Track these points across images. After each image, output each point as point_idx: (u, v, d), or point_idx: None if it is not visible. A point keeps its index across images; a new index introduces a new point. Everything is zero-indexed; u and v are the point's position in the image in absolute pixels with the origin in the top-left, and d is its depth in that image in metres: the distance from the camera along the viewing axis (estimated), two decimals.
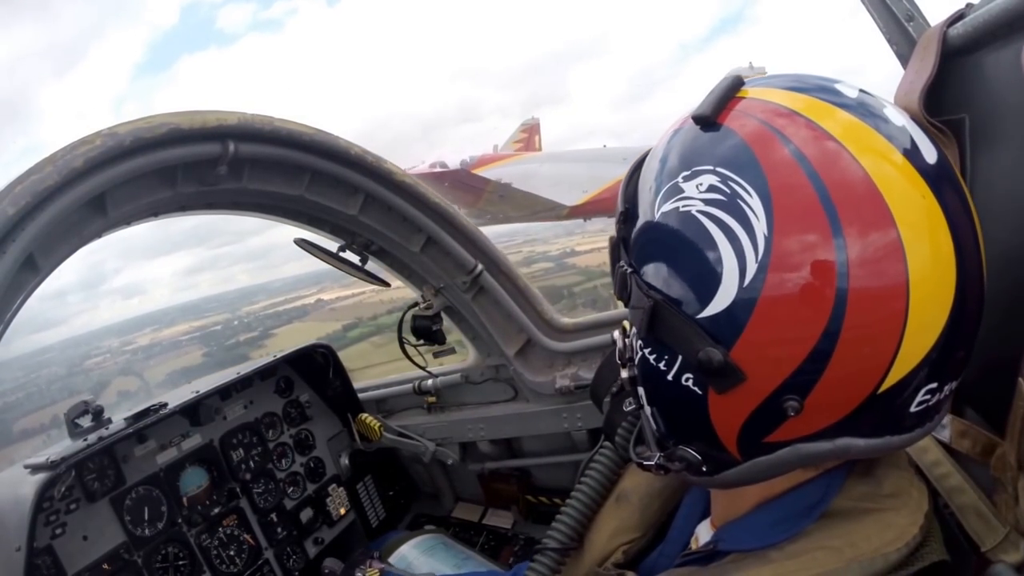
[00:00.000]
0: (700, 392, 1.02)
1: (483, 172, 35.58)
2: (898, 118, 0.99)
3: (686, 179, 1.00)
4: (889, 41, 1.59)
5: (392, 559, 2.78)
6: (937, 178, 0.93)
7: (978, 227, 0.96)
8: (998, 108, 1.36)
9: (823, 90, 1.01)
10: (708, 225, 0.95)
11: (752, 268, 0.91)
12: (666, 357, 1.05)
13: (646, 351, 1.10)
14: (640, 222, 1.09)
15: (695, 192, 0.98)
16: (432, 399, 3.50)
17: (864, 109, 0.98)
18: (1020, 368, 1.21)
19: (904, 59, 1.54)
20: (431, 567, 2.70)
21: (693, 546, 1.36)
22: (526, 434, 3.24)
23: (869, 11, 1.60)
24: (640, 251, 1.09)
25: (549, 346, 3.00)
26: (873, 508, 1.07)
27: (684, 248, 0.99)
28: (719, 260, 0.94)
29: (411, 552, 2.81)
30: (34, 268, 1.80)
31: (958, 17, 1.41)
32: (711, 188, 0.96)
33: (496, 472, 3.50)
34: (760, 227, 0.91)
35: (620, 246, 1.17)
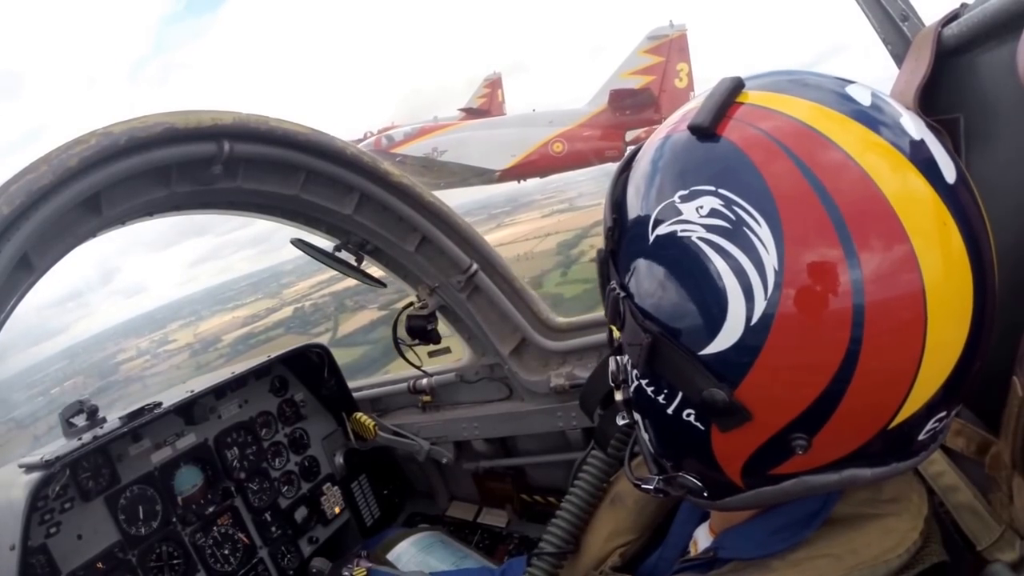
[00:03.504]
0: (702, 428, 0.98)
1: (423, 141, 36.69)
2: (915, 130, 0.91)
3: (684, 199, 0.93)
4: (884, 41, 1.59)
5: (390, 556, 2.77)
6: (957, 200, 0.88)
7: (993, 245, 0.92)
8: (993, 107, 1.36)
9: (835, 95, 0.93)
10: (711, 255, 0.89)
11: (760, 306, 0.86)
12: (665, 391, 1.01)
13: (643, 382, 1.06)
14: (632, 241, 1.03)
15: (695, 216, 0.91)
16: (427, 398, 3.50)
17: (881, 121, 0.90)
18: (1014, 366, 1.22)
19: (899, 59, 1.55)
20: (429, 565, 2.70)
21: (692, 551, 1.35)
22: (521, 433, 3.24)
23: (864, 11, 1.60)
24: (634, 275, 1.03)
25: (544, 345, 3.00)
26: (874, 514, 1.06)
27: (684, 279, 0.93)
28: (724, 295, 0.88)
29: (409, 550, 2.81)
30: (28, 268, 1.79)
31: (953, 17, 1.41)
32: (713, 212, 0.89)
33: (491, 471, 3.49)
34: (770, 261, 0.85)
35: (609, 262, 1.11)
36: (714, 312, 0.89)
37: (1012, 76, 1.21)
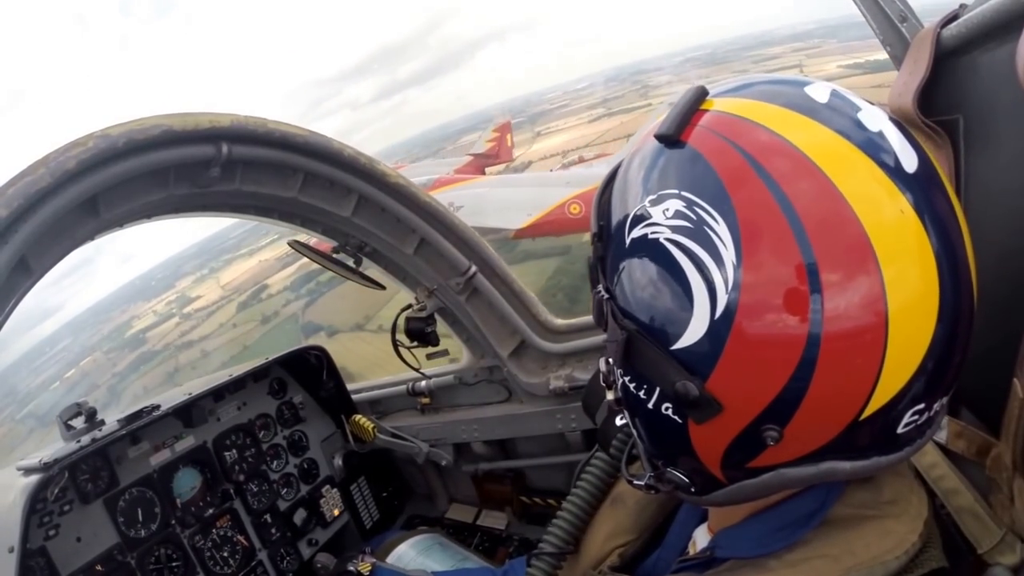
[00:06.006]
0: (680, 421, 1.01)
1: (438, 193, 36.07)
2: (874, 122, 0.93)
3: (653, 203, 0.98)
4: (883, 42, 1.59)
5: (390, 559, 2.77)
6: (918, 188, 0.89)
7: (964, 231, 0.92)
8: (992, 108, 1.36)
9: (793, 95, 0.96)
10: (676, 254, 0.93)
11: (723, 299, 0.89)
12: (644, 386, 1.04)
13: (625, 379, 1.09)
14: (613, 245, 1.07)
15: (662, 218, 0.96)
16: (426, 400, 3.50)
17: (838, 116, 0.93)
18: (1015, 369, 1.21)
19: (898, 60, 1.54)
20: (428, 567, 2.69)
21: (690, 551, 1.35)
22: (520, 435, 3.24)
23: (862, 12, 1.60)
24: (615, 277, 1.07)
25: (543, 347, 3.00)
26: (872, 515, 1.06)
27: (655, 278, 0.97)
28: (689, 291, 0.92)
29: (408, 552, 2.81)
30: (27, 270, 1.80)
31: (952, 18, 1.41)
32: (677, 214, 0.94)
33: (490, 473, 3.50)
34: (728, 256, 0.88)
35: (597, 267, 1.15)
36: (682, 307, 0.93)
37: (1011, 77, 1.20)
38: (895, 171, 0.89)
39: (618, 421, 1.34)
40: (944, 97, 1.42)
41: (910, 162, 0.90)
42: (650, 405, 1.04)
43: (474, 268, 2.82)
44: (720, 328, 0.90)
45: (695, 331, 0.92)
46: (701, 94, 1.02)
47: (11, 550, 2.14)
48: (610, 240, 1.09)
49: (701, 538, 1.33)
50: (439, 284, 2.88)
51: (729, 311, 0.88)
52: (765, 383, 0.90)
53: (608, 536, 1.60)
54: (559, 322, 3.06)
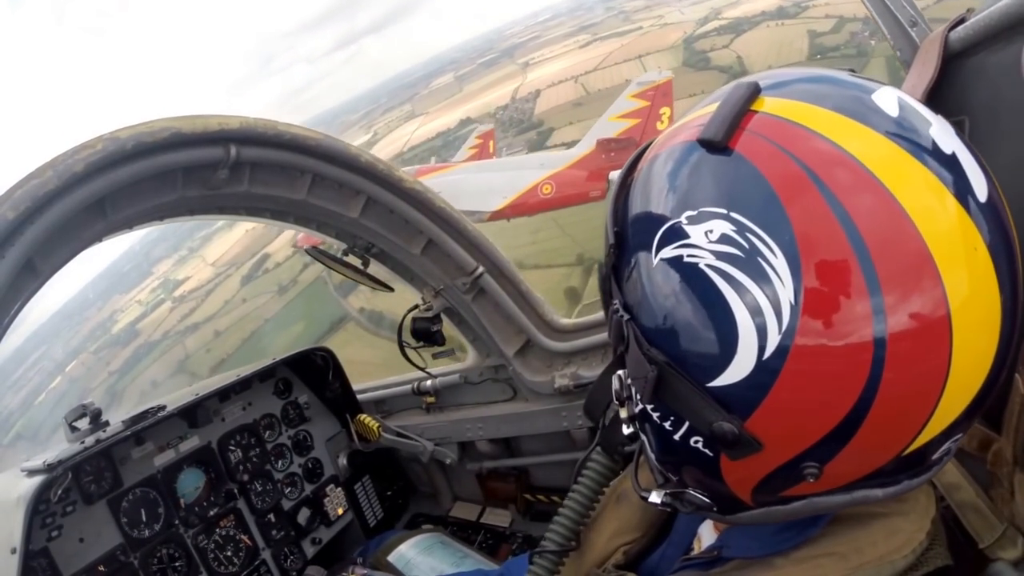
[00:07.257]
0: (711, 454, 0.95)
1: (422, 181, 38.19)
2: (947, 143, 0.84)
3: (691, 221, 0.86)
4: (894, 47, 1.60)
5: (391, 558, 2.78)
6: (989, 220, 0.81)
7: (1019, 261, 0.85)
8: (998, 108, 1.37)
9: (858, 104, 0.86)
10: (721, 285, 0.83)
11: (774, 340, 0.80)
12: (672, 418, 0.97)
13: (648, 407, 1.01)
14: (635, 261, 0.97)
15: (703, 241, 0.84)
16: (431, 399, 3.51)
17: (910, 135, 0.83)
18: (1017, 364, 1.22)
19: (907, 64, 1.56)
20: (430, 566, 2.70)
21: (696, 548, 1.34)
22: (524, 433, 3.25)
23: (874, 17, 1.62)
24: (637, 298, 0.97)
25: (548, 346, 3.00)
26: (880, 513, 1.05)
27: (692, 308, 0.87)
28: (734, 327, 0.83)
29: (410, 551, 2.81)
30: (34, 272, 1.80)
31: (959, 21, 1.42)
32: (724, 238, 0.82)
33: (494, 471, 3.51)
34: (785, 294, 0.79)
35: (611, 279, 1.05)
36: (724, 344, 0.85)
37: (1017, 77, 1.22)
38: (969, 201, 0.81)
39: (625, 430, 1.32)
40: (951, 98, 1.44)
41: (981, 190, 0.82)
42: (677, 437, 0.98)
43: (481, 269, 2.82)
44: (769, 368, 0.82)
45: (739, 369, 0.84)
46: (753, 92, 0.90)
47: (14, 551, 2.15)
48: (630, 252, 0.99)
49: (707, 535, 1.32)
50: (445, 284, 2.89)
51: (780, 353, 0.81)
52: (813, 424, 0.84)
53: (613, 534, 1.59)
54: (565, 321, 3.07)
